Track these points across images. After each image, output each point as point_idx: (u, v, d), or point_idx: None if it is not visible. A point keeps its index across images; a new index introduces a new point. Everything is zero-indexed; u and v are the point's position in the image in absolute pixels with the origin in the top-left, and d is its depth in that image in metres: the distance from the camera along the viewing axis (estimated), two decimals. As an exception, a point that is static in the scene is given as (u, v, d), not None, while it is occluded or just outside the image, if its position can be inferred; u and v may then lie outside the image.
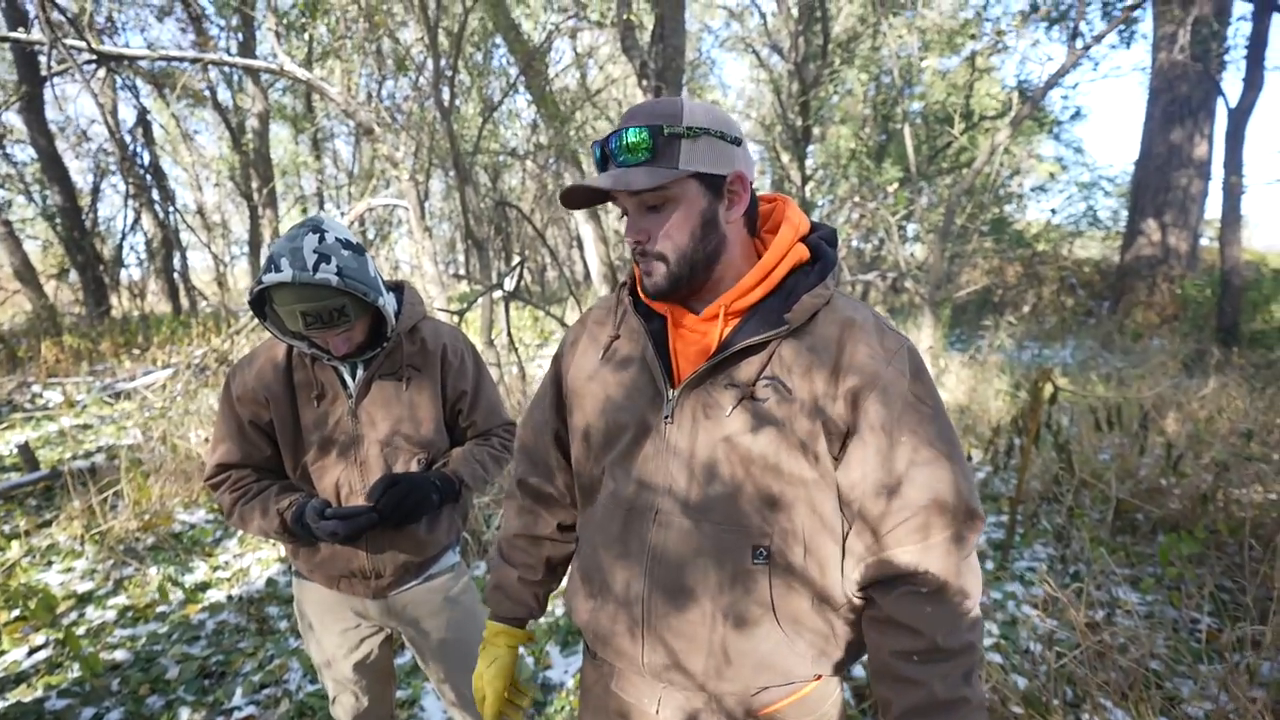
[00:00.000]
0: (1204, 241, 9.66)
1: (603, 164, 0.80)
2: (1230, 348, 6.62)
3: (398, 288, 1.34)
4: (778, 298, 0.80)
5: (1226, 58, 7.15)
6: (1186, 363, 6.31)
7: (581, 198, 0.81)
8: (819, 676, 0.85)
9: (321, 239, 1.10)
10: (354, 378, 1.25)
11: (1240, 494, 2.99)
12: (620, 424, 0.85)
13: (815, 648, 0.82)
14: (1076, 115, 9.66)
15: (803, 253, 0.83)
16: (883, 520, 0.76)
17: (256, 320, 1.19)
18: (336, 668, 1.35)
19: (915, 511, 0.75)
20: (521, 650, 2.39)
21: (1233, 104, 6.81)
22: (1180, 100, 8.47)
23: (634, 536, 0.83)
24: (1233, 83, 7.34)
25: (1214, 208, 9.63)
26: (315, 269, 1.07)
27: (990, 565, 2.99)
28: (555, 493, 1.00)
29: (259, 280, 1.08)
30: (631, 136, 0.75)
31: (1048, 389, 3.10)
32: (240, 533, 3.44)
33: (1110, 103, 55.33)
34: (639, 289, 0.87)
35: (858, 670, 2.21)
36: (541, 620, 2.58)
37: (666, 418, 0.81)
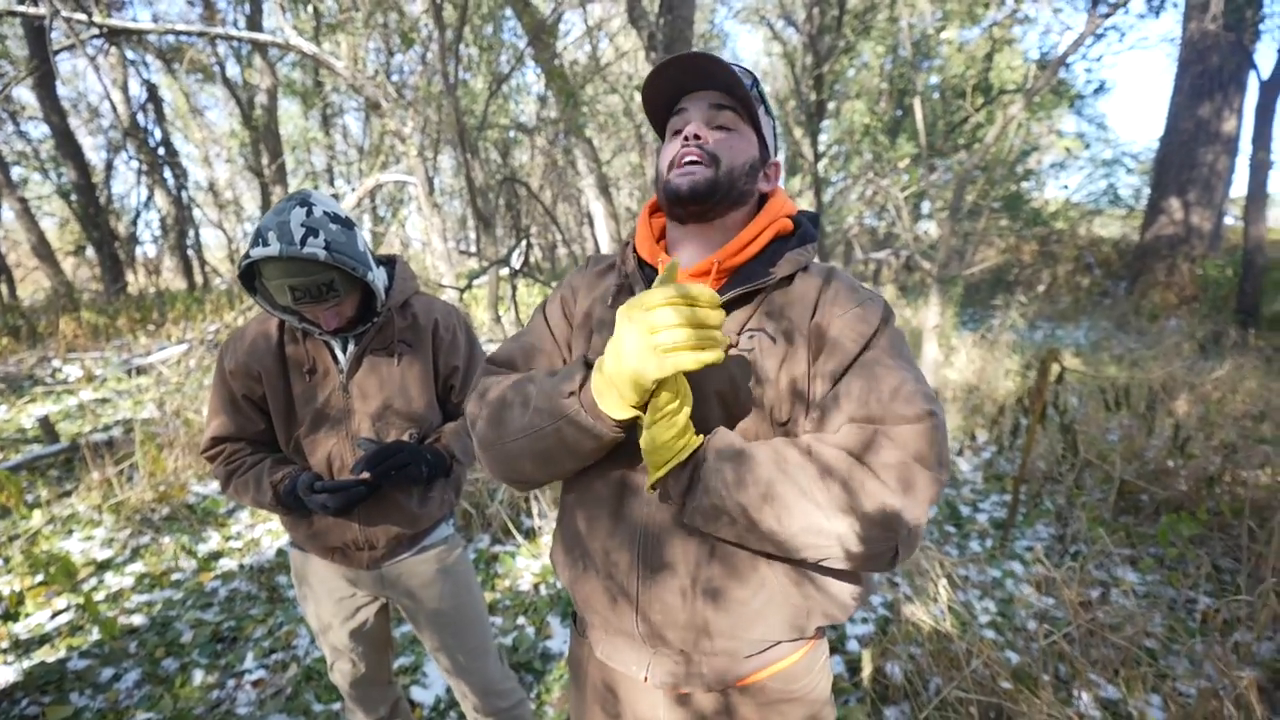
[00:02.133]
0: (1229, 220, 9.40)
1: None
2: (1248, 329, 6.48)
3: (389, 262, 1.35)
4: (761, 261, 0.84)
5: (1261, 27, 6.87)
6: (1203, 344, 6.21)
7: (671, 79, 0.84)
8: (817, 634, 0.88)
9: (309, 212, 1.10)
10: (345, 353, 1.26)
11: (1248, 475, 2.96)
12: None
13: (808, 598, 0.81)
14: (1100, 89, 9.36)
15: (787, 225, 0.88)
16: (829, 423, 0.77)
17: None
18: (333, 635, 1.39)
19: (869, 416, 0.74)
20: (522, 620, 2.45)
21: (1265, 76, 6.57)
22: (1210, 72, 8.17)
23: (625, 499, 0.83)
24: (1266, 54, 7.08)
25: (1240, 185, 9.33)
26: (303, 243, 1.07)
27: (990, 544, 3.00)
28: None
29: (246, 254, 1.09)
30: (736, 68, 0.83)
31: (1054, 369, 3.07)
32: (252, 504, 3.53)
33: (1137, 76, 53.46)
34: (636, 246, 0.91)
35: (852, 645, 2.25)
36: (543, 591, 2.64)
37: None
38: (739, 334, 0.80)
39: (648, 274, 0.89)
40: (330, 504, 1.16)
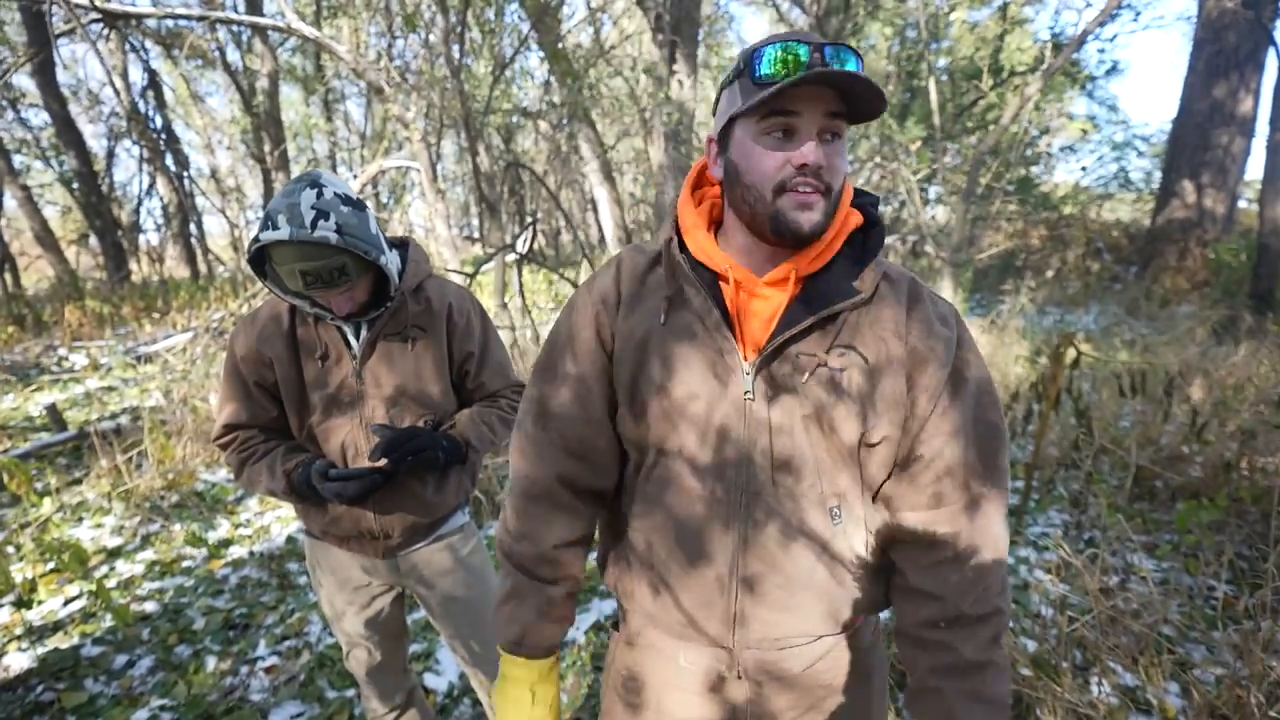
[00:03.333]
0: (1243, 204, 9.26)
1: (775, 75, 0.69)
2: (1264, 314, 6.40)
3: (402, 244, 1.31)
4: (840, 263, 0.79)
5: (1280, 4, 6.72)
6: (1216, 329, 6.13)
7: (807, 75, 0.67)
8: (857, 621, 0.86)
9: (320, 194, 1.06)
10: (358, 338, 1.23)
11: (1266, 462, 2.93)
12: (689, 395, 0.78)
13: (847, 590, 0.81)
14: (1113, 70, 9.21)
15: (858, 218, 0.81)
16: (919, 476, 0.78)
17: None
18: (348, 624, 1.38)
19: (950, 470, 0.77)
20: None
21: (1283, 55, 6.43)
22: (1227, 52, 8.00)
23: (716, 515, 0.79)
24: (1285, 32, 6.91)
25: (1256, 168, 9.19)
26: (314, 226, 1.03)
27: (1003, 531, 2.98)
28: (609, 488, 0.89)
29: (255, 238, 1.05)
30: (853, 58, 0.69)
31: (1069, 354, 3.03)
32: (261, 492, 3.53)
33: (1150, 57, 52.65)
34: (682, 244, 0.81)
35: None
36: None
37: (747, 393, 0.76)
38: (827, 352, 0.75)
39: (704, 278, 0.78)
40: (345, 492, 1.14)
